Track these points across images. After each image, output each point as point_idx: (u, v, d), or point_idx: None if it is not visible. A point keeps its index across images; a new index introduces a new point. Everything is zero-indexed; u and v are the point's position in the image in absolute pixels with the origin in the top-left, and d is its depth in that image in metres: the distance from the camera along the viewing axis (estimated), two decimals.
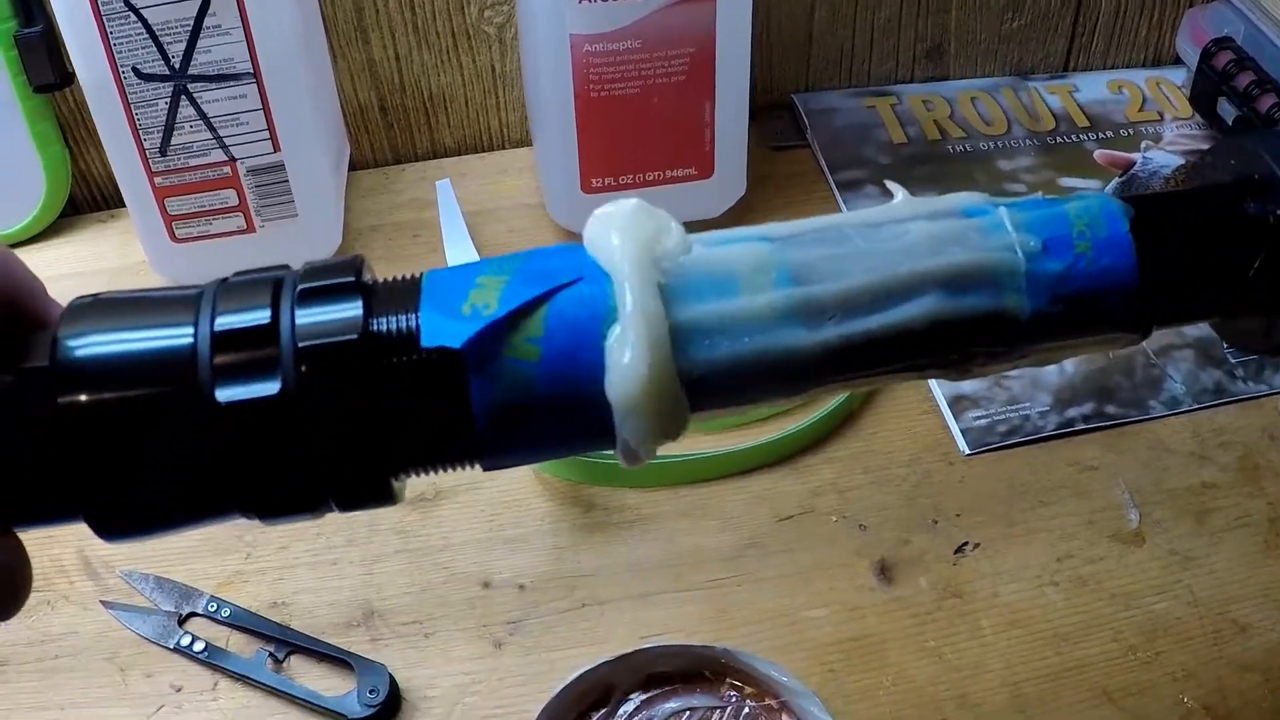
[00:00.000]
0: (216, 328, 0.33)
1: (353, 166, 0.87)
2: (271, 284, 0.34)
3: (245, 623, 0.60)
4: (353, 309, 0.34)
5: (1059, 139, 0.87)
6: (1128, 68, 0.95)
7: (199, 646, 0.59)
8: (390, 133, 0.88)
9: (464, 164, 0.88)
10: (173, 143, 0.71)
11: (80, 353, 0.34)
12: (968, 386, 0.70)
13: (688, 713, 0.52)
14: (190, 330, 0.34)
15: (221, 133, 0.72)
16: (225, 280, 0.35)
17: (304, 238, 0.76)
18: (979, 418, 0.68)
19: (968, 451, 0.67)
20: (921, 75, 0.93)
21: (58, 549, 0.64)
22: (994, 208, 0.38)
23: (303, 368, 0.33)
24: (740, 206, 0.79)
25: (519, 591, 0.61)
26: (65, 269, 0.82)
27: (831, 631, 0.59)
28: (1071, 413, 0.68)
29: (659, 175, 0.76)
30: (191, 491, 0.34)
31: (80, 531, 0.61)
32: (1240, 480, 0.65)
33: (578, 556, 0.63)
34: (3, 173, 0.82)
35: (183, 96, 0.70)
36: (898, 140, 0.87)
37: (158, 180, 0.73)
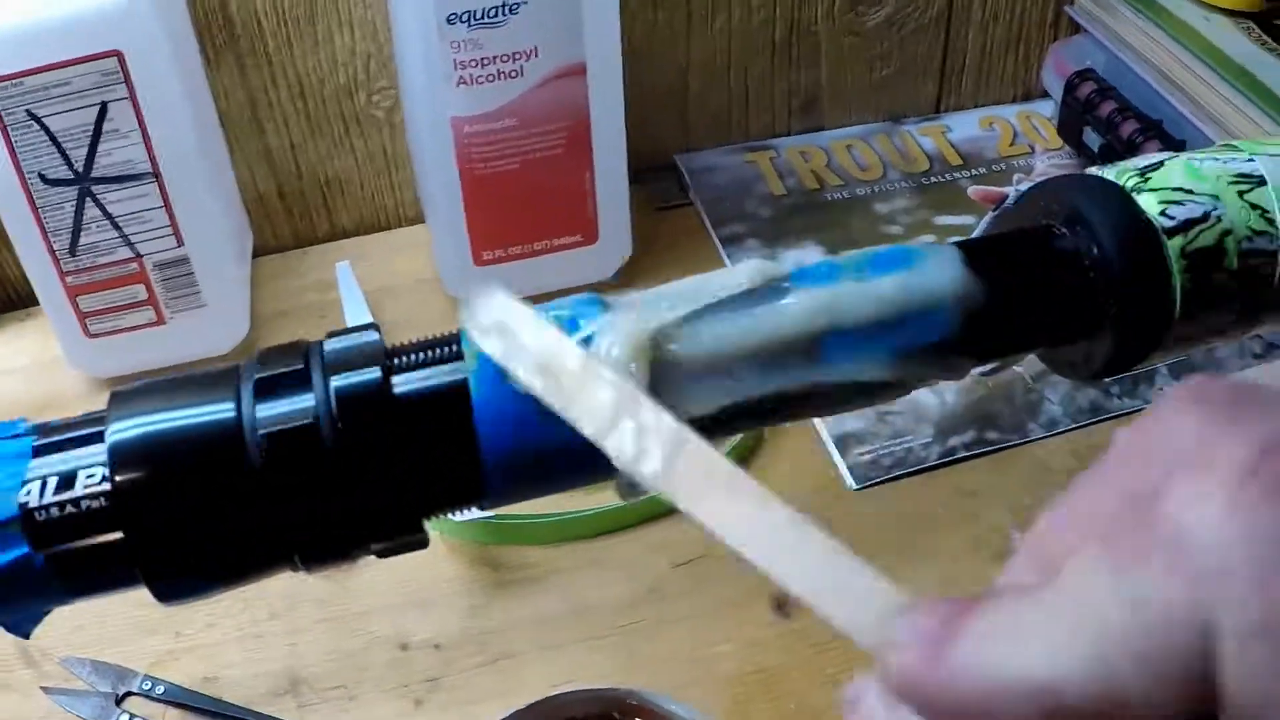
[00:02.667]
0: (259, 413, 0.36)
1: (256, 253, 0.89)
2: (302, 351, 0.38)
3: (180, 698, 0.63)
4: (373, 370, 0.37)
5: (934, 179, 0.92)
6: (998, 104, 1.00)
7: None
8: (290, 218, 0.91)
9: (364, 244, 0.91)
10: (81, 243, 0.74)
11: (131, 434, 0.37)
12: (852, 424, 0.73)
13: None
14: (232, 405, 0.37)
15: (127, 231, 0.74)
16: (272, 351, 0.39)
17: (212, 326, 0.79)
18: (864, 453, 0.72)
19: (855, 486, 0.71)
20: (798, 127, 0.97)
21: None
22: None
23: (338, 424, 0.36)
24: (629, 268, 0.83)
25: (435, 651, 0.64)
26: None
27: (735, 667, 0.62)
28: (953, 441, 0.72)
29: (546, 245, 0.79)
30: (243, 551, 0.37)
31: None
32: None
33: (489, 614, 0.65)
34: None
35: (88, 198, 0.72)
36: (777, 192, 0.91)
37: (69, 279, 0.75)
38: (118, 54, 0.69)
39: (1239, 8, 0.84)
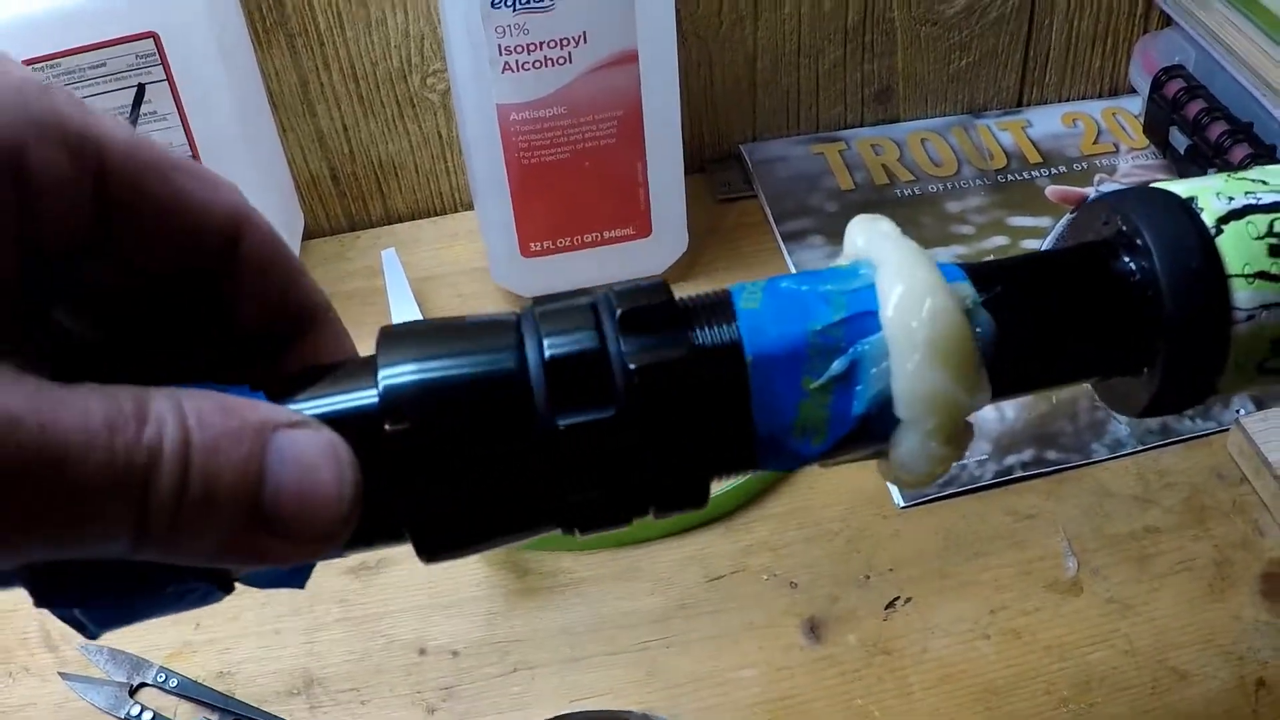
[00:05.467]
0: (547, 354, 0.35)
1: (308, 235, 0.88)
2: (590, 309, 0.36)
3: (191, 693, 0.62)
4: (675, 327, 0.36)
5: (1010, 176, 0.88)
6: (1083, 99, 0.95)
7: (148, 716, 0.61)
8: (343, 200, 0.89)
9: (417, 229, 0.90)
10: None
11: (406, 379, 0.35)
12: None
13: None
14: (514, 356, 0.35)
15: None
16: (536, 308, 0.37)
17: None
18: None
19: (903, 504, 0.67)
20: (871, 119, 0.93)
21: (21, 622, 0.65)
22: None
23: (636, 387, 0.35)
24: (684, 262, 0.80)
25: (452, 658, 0.62)
26: None
27: (759, 692, 0.60)
28: (1010, 460, 0.69)
29: (596, 237, 0.77)
30: (515, 510, 0.36)
31: None
32: (1185, 523, 0.65)
33: (511, 622, 0.63)
34: None
35: None
36: (845, 187, 0.88)
37: None
38: (154, 35, 0.68)
39: None
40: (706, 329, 0.36)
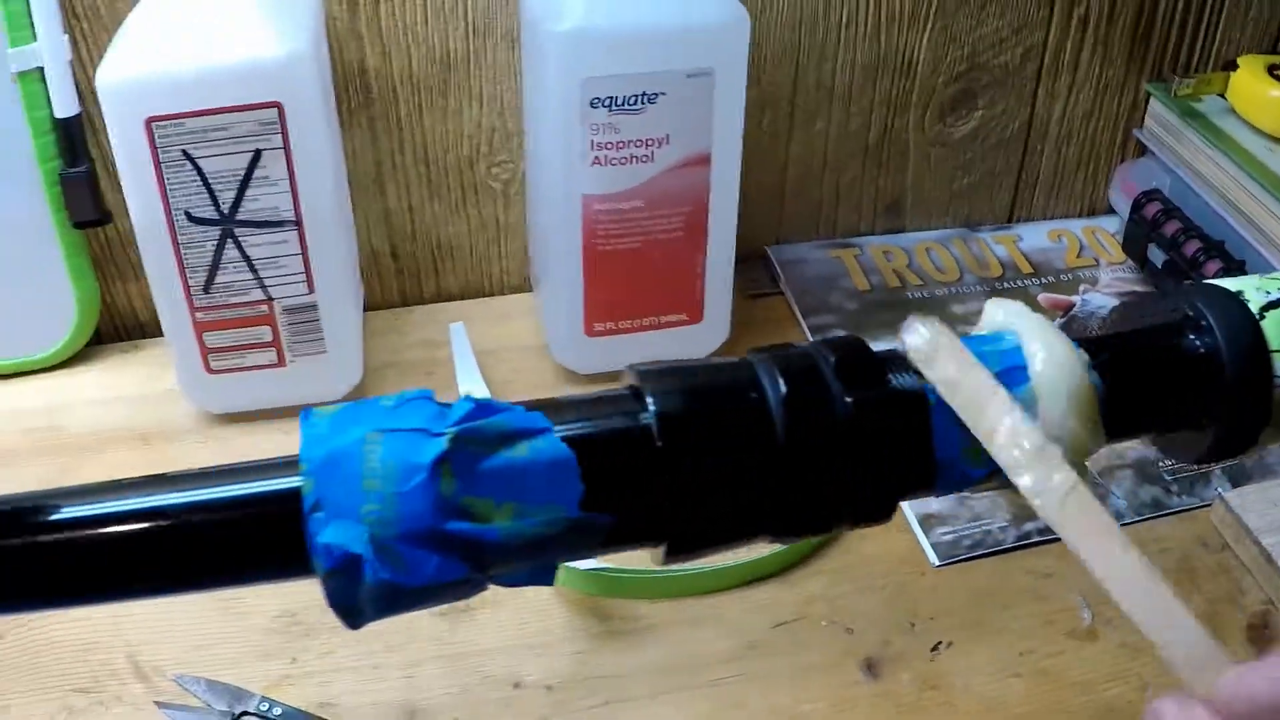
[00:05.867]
0: (783, 389, 0.43)
1: (366, 307, 0.94)
2: (809, 357, 0.45)
3: None
4: (877, 373, 0.44)
5: (1006, 284, 0.97)
6: (1066, 218, 1.06)
7: None
8: (400, 277, 0.95)
9: (466, 308, 0.96)
10: (216, 282, 0.78)
11: (676, 404, 0.43)
12: (935, 505, 0.78)
13: None
14: (756, 388, 0.44)
15: (262, 274, 0.78)
16: (763, 353, 0.45)
17: (329, 371, 0.83)
18: (946, 533, 0.76)
19: (938, 563, 0.75)
20: (882, 228, 1.03)
21: (103, 654, 0.69)
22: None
23: (851, 418, 0.43)
24: (724, 349, 0.88)
25: (547, 692, 0.68)
26: (95, 393, 0.88)
27: None
28: (1028, 526, 0.77)
29: (654, 321, 0.84)
30: (747, 518, 0.44)
31: (127, 638, 0.66)
32: (1178, 581, 0.74)
33: (598, 660, 0.69)
34: (38, 301, 0.88)
35: (229, 240, 0.76)
36: (862, 288, 0.97)
37: (199, 315, 0.79)
38: (278, 105, 0.73)
39: None
40: (898, 375, 0.45)
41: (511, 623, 0.71)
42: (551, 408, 0.44)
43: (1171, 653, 0.38)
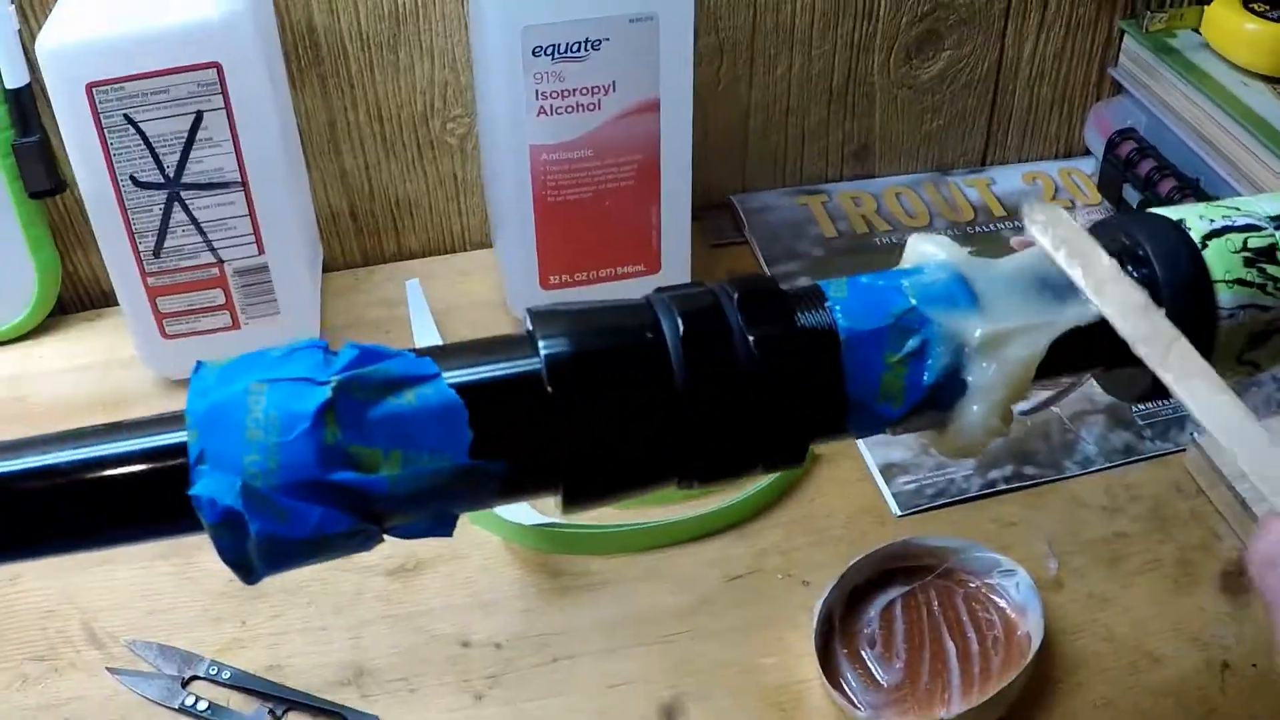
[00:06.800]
0: (681, 328, 0.42)
1: (325, 268, 0.93)
2: (712, 294, 0.43)
3: (244, 684, 0.65)
4: (783, 310, 0.43)
5: (978, 228, 0.95)
6: (1040, 160, 1.04)
7: (202, 706, 0.64)
8: (360, 237, 0.94)
9: (429, 265, 0.95)
10: (166, 245, 0.77)
11: (565, 349, 0.42)
12: (897, 454, 0.76)
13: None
14: (653, 329, 0.42)
15: (211, 236, 0.77)
16: (664, 292, 0.44)
17: (285, 334, 0.82)
18: (908, 482, 0.75)
19: (899, 513, 0.74)
20: (850, 174, 1.01)
21: (60, 621, 0.69)
22: None
23: (754, 356, 0.42)
24: None
25: (496, 650, 0.67)
26: (59, 364, 0.88)
27: (783, 676, 0.65)
28: (994, 474, 0.75)
29: (610, 272, 0.83)
30: (649, 464, 0.43)
31: (83, 604, 0.66)
32: (1150, 529, 0.72)
33: (547, 617, 0.68)
34: None
35: (176, 203, 0.76)
36: (829, 235, 0.95)
37: (150, 280, 0.78)
38: (217, 65, 0.72)
39: (1275, 74, 0.88)
40: (807, 312, 0.43)
41: (460, 581, 0.70)
42: (442, 353, 0.42)
43: (1265, 485, 0.41)
